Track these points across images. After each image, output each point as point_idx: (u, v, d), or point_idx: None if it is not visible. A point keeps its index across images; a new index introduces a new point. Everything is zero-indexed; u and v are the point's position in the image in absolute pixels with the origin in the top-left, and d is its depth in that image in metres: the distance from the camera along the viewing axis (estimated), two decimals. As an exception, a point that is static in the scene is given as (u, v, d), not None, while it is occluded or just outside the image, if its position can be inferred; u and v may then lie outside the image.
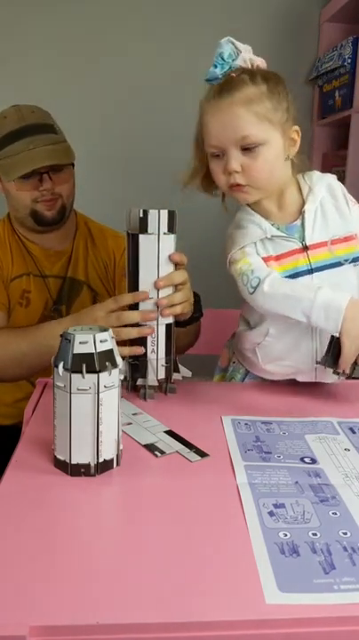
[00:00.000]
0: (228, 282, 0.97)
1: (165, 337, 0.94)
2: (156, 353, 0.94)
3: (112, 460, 0.71)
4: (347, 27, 1.98)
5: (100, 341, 0.68)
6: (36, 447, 0.75)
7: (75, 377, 0.67)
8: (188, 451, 0.76)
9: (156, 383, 0.95)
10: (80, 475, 0.69)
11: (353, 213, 0.93)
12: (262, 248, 0.93)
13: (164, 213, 0.88)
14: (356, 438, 0.81)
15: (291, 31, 2.07)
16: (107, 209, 1.44)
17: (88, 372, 0.67)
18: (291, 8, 2.06)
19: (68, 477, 0.69)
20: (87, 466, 0.69)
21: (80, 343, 0.67)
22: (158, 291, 0.90)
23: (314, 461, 0.74)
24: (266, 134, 0.85)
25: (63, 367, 0.67)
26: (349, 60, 1.79)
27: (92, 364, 0.67)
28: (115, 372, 0.69)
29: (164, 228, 0.89)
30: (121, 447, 0.72)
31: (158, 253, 0.89)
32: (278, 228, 0.92)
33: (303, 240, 0.92)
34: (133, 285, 0.91)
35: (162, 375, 0.95)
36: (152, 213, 0.88)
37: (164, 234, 0.89)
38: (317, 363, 0.93)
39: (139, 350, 0.92)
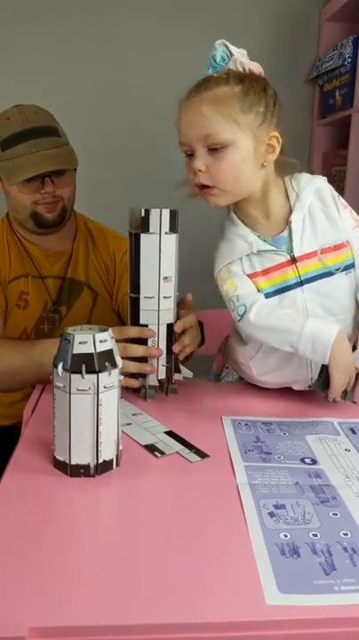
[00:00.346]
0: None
1: (166, 337, 0.93)
2: (157, 353, 0.93)
3: (112, 460, 0.71)
4: (348, 26, 1.97)
5: (100, 341, 0.68)
6: (36, 448, 0.75)
7: (75, 377, 0.67)
8: (188, 451, 0.76)
9: (157, 383, 0.95)
10: (79, 475, 0.69)
11: (343, 218, 0.90)
12: (248, 264, 0.90)
13: (166, 213, 0.88)
14: (357, 439, 0.80)
15: (292, 31, 2.07)
16: (108, 209, 1.43)
17: (87, 372, 0.66)
18: (291, 8, 2.05)
19: (68, 478, 0.69)
20: (87, 466, 0.69)
21: (79, 343, 0.67)
22: (159, 291, 0.90)
23: (314, 462, 0.74)
24: (231, 135, 0.81)
25: (62, 367, 0.67)
26: (349, 60, 1.79)
27: (92, 364, 0.67)
28: (114, 372, 0.69)
29: (166, 227, 0.88)
30: (121, 448, 0.72)
31: (160, 253, 0.89)
32: (265, 240, 0.89)
33: (291, 252, 0.89)
34: (135, 285, 0.91)
35: (162, 375, 0.95)
36: (154, 213, 0.87)
37: (166, 233, 0.89)
38: (309, 387, 0.93)
39: (147, 368, 0.93)
